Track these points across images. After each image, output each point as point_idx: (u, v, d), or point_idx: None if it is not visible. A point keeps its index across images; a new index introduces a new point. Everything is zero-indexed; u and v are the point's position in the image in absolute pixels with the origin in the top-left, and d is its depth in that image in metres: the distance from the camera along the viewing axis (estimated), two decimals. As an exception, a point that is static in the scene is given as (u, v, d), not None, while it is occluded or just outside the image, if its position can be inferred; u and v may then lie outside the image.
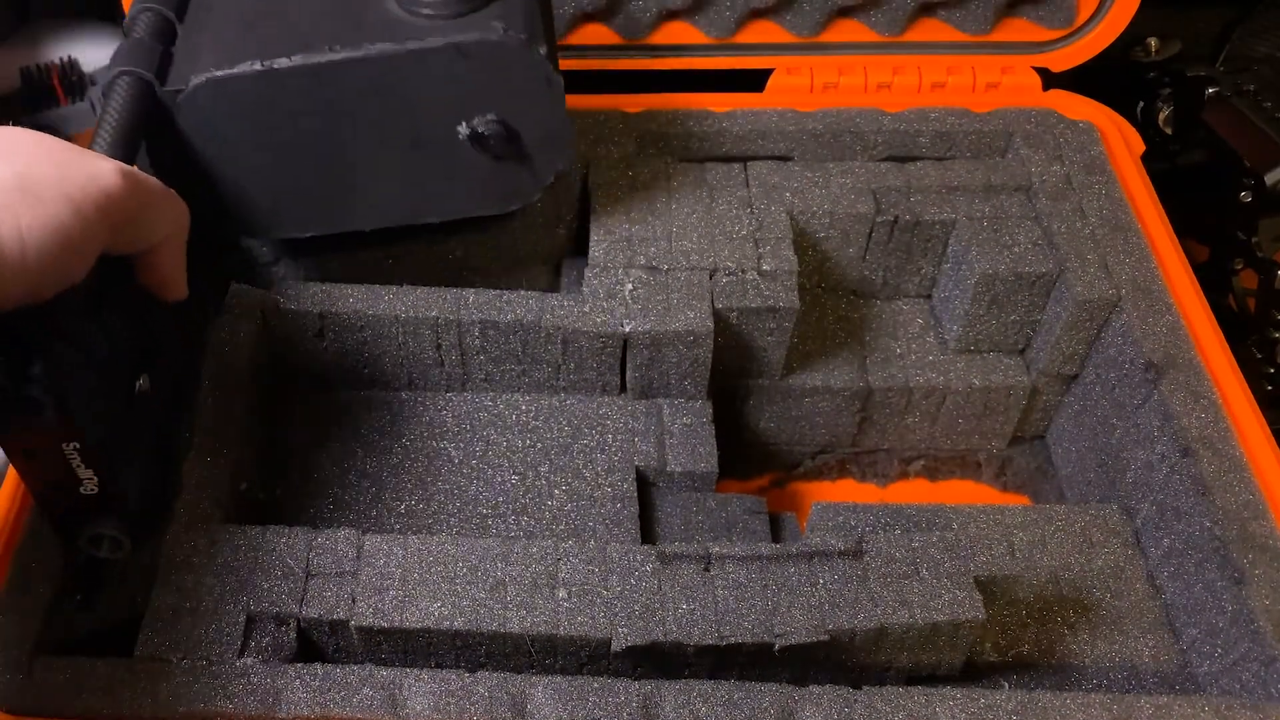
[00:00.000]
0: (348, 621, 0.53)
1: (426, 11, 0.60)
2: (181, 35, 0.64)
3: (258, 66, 0.58)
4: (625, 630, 0.53)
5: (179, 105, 0.60)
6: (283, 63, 0.58)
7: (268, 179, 0.63)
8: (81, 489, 0.51)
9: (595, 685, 0.52)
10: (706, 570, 0.55)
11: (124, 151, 0.56)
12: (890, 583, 0.55)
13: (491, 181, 0.65)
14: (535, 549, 0.56)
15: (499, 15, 0.60)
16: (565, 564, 0.55)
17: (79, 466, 0.51)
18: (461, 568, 0.55)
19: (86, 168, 0.46)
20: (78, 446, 0.50)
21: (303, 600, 0.54)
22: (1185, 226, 0.78)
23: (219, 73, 0.59)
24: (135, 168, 0.50)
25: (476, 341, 0.67)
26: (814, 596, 0.54)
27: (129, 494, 0.54)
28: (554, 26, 0.65)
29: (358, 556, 0.56)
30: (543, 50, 0.60)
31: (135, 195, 0.49)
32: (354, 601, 0.54)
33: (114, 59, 0.60)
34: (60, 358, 0.48)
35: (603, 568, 0.55)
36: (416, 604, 0.54)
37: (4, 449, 0.51)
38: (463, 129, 0.62)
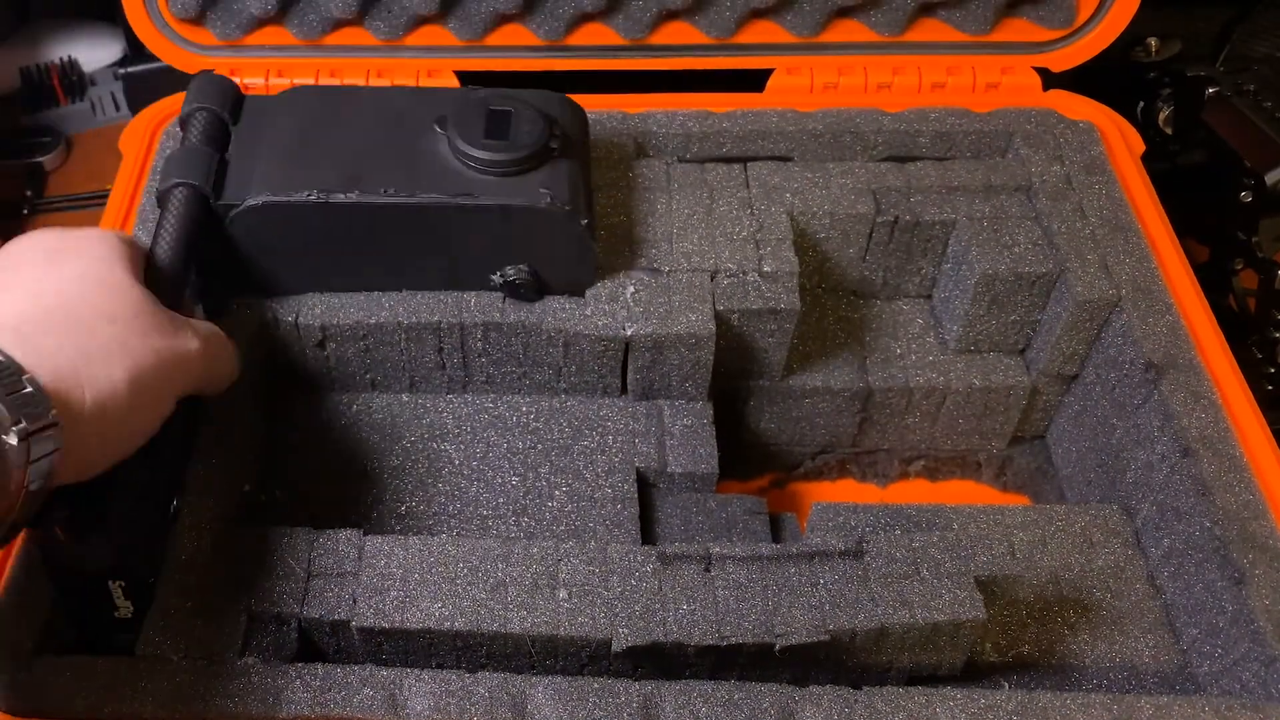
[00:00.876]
0: (349, 622, 0.53)
1: (478, 167, 0.62)
2: (235, 142, 0.65)
3: (314, 198, 0.61)
4: (625, 630, 0.53)
5: (232, 219, 0.62)
6: (339, 198, 0.61)
7: (307, 271, 0.66)
8: (117, 614, 0.54)
9: (595, 686, 0.52)
10: (707, 571, 0.55)
11: (181, 265, 0.59)
12: (891, 583, 0.55)
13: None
14: (535, 549, 0.56)
15: (546, 182, 0.63)
16: (566, 564, 0.55)
17: (119, 598, 0.54)
18: (462, 568, 0.55)
19: (179, 350, 0.51)
20: (123, 585, 0.53)
21: (304, 601, 0.54)
22: (1185, 226, 0.78)
23: (275, 198, 0.61)
24: (211, 331, 0.56)
25: (478, 344, 0.67)
26: (814, 597, 0.54)
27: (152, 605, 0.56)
28: (590, 173, 0.69)
29: (359, 557, 0.56)
30: (584, 220, 0.63)
31: (211, 363, 0.55)
32: (355, 602, 0.54)
33: (169, 165, 0.63)
34: (122, 514, 0.51)
35: (603, 568, 0.55)
36: (417, 604, 0.54)
37: (51, 580, 0.54)
38: (496, 278, 0.65)
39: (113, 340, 0.48)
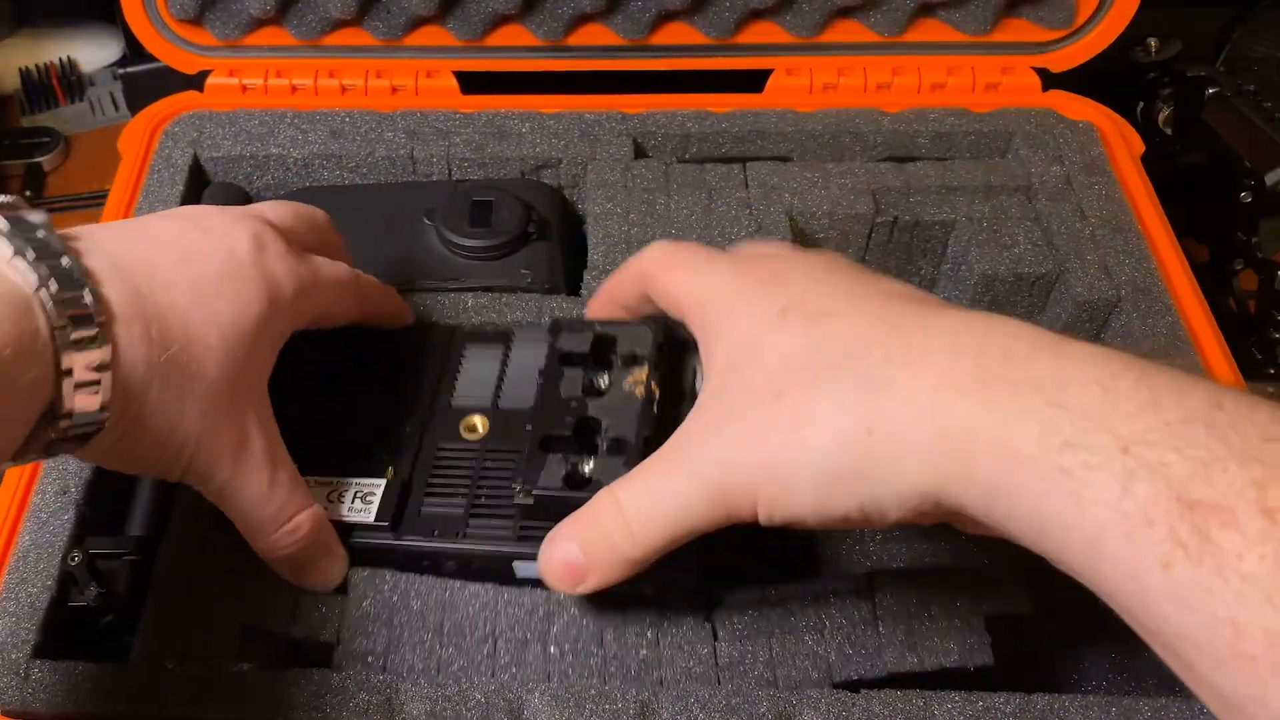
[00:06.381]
0: (334, 647, 0.53)
1: (465, 254, 0.69)
2: None
3: None
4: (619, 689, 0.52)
5: None
6: None
7: None
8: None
9: (592, 692, 0.52)
10: (707, 621, 0.54)
11: None
12: (899, 623, 0.53)
13: None
14: (527, 599, 0.54)
15: (528, 262, 0.69)
16: (559, 618, 0.54)
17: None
18: (450, 621, 0.54)
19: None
20: None
21: (292, 617, 0.53)
22: (1185, 227, 0.78)
23: None
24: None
25: (476, 344, 0.67)
26: (821, 645, 0.53)
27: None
28: (569, 248, 0.73)
29: (344, 587, 0.54)
30: (564, 294, 0.69)
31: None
32: (339, 636, 0.53)
33: None
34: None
35: (596, 619, 0.53)
36: (399, 652, 0.53)
37: None
38: None
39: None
